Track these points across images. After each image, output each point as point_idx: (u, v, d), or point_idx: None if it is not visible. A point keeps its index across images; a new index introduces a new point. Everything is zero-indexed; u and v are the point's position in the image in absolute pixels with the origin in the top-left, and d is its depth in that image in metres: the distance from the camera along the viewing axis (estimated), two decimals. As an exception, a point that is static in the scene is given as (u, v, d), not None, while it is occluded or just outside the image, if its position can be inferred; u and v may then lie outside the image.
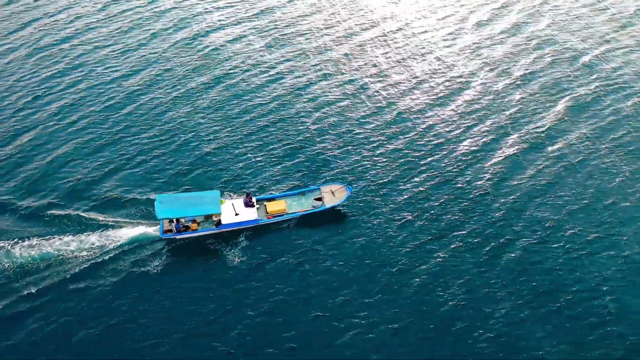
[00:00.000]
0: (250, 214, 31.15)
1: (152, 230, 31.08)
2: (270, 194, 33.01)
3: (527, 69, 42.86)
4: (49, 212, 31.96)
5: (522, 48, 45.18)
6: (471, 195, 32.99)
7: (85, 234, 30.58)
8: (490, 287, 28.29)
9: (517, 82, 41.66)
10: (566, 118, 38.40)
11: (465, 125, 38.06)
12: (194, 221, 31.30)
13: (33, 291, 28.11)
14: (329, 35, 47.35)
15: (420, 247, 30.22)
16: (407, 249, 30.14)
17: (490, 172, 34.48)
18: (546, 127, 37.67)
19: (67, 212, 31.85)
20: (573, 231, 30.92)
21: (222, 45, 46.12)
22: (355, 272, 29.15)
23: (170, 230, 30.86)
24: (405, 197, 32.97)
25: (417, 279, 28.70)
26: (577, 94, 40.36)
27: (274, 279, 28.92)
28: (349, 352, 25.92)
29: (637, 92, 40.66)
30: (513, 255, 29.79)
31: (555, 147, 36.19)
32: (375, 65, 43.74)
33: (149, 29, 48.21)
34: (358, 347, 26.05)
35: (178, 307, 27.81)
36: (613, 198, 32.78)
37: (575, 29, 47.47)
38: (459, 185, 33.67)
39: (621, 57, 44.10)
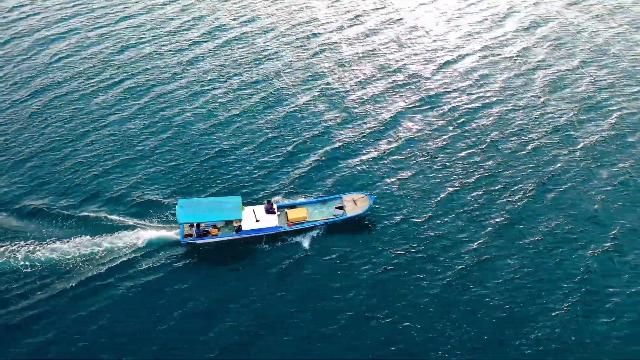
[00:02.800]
0: (270, 221, 30.92)
1: (172, 234, 31.07)
2: (292, 201, 32.76)
3: (541, 66, 42.10)
4: (70, 213, 32.17)
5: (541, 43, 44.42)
6: (503, 201, 32.35)
7: (106, 235, 30.73)
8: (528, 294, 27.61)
9: (537, 83, 40.89)
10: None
11: (495, 134, 37.42)
12: (214, 226, 31.22)
13: (51, 292, 28.29)
14: (349, 42, 47.14)
15: (442, 261, 29.62)
16: (431, 262, 29.54)
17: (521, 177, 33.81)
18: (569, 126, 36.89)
19: (89, 215, 32.05)
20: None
21: (246, 52, 46.20)
22: (375, 281, 28.68)
23: (191, 235, 30.79)
24: (430, 209, 32.40)
25: (440, 288, 28.14)
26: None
27: (293, 287, 28.61)
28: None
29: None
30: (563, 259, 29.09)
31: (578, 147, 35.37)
32: (398, 76, 43.34)
33: (170, 35, 48.57)
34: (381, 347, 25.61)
35: (192, 310, 27.67)
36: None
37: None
38: (489, 190, 33.03)
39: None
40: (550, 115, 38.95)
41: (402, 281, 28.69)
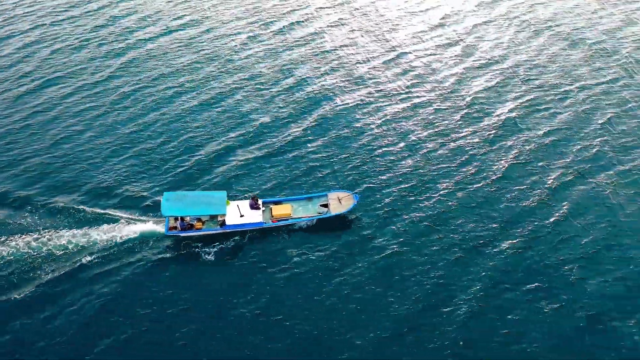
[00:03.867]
0: (255, 217, 31.16)
1: (158, 228, 31.36)
2: (278, 197, 32.98)
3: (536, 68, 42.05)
4: (55, 206, 32.48)
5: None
6: (486, 203, 32.40)
7: (90, 228, 30.99)
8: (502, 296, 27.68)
9: (535, 86, 40.87)
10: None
11: (480, 134, 37.45)
12: (199, 220, 31.49)
13: (32, 285, 28.41)
14: (340, 40, 47.28)
15: (425, 261, 29.72)
16: (411, 264, 29.65)
17: (498, 177, 33.80)
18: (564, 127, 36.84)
19: (74, 207, 32.34)
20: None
21: (237, 51, 46.58)
22: (353, 279, 28.85)
23: (175, 228, 31.08)
24: (414, 209, 32.50)
25: (419, 291, 28.26)
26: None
27: (272, 282, 28.81)
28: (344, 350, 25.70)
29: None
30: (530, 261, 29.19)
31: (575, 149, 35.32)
32: (387, 75, 43.44)
33: (164, 30, 48.93)
34: (355, 346, 25.80)
35: (174, 303, 27.88)
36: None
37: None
38: (469, 193, 33.07)
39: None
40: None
41: (380, 281, 28.79)
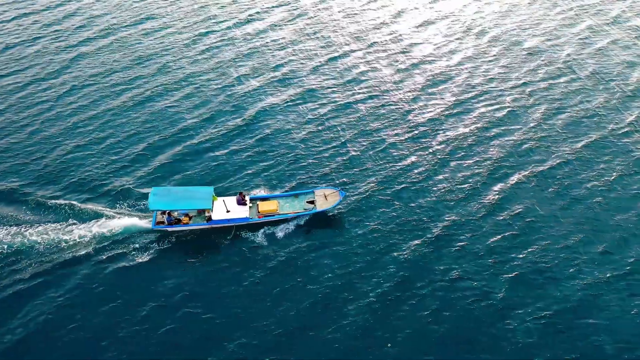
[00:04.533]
0: (241, 212, 31.38)
1: (145, 222, 31.62)
2: (265, 193, 33.22)
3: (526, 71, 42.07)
4: (43, 200, 32.72)
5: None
6: (469, 203, 32.45)
7: (76, 223, 31.24)
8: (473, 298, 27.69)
9: (523, 87, 40.92)
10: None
11: (465, 134, 37.54)
12: (186, 215, 31.75)
13: (15, 279, 28.58)
14: (333, 37, 47.51)
15: (403, 260, 29.80)
16: (391, 260, 29.72)
17: (481, 177, 33.86)
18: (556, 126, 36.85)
19: (62, 202, 32.57)
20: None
21: (226, 44, 47.11)
22: (338, 274, 29.00)
23: (162, 223, 31.35)
24: (399, 206, 32.60)
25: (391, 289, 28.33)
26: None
27: (255, 277, 28.99)
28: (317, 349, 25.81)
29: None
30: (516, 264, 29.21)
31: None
32: (381, 74, 43.62)
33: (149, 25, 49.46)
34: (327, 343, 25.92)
35: (158, 298, 28.11)
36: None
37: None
38: (454, 194, 33.15)
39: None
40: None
41: (363, 276, 28.90)
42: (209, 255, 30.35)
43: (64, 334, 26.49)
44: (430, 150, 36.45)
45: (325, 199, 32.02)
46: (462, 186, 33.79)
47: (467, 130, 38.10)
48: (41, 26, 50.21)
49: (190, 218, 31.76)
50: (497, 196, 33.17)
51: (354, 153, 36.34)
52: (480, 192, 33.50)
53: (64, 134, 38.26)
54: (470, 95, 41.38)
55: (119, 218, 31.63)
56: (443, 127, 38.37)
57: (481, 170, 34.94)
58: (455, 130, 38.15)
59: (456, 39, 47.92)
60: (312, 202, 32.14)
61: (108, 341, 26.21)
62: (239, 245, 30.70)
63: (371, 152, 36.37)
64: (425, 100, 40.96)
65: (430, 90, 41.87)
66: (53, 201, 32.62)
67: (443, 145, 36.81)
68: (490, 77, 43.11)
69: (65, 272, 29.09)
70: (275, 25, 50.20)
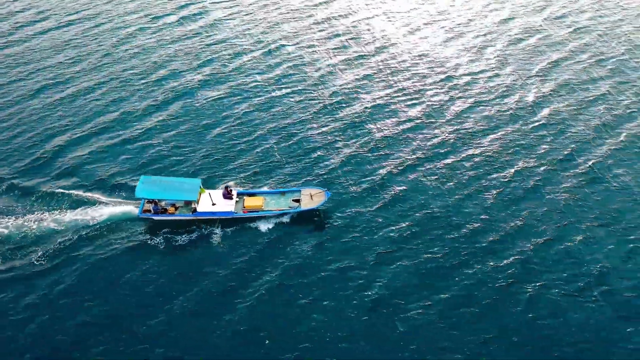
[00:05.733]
0: (227, 206, 31.74)
1: (133, 210, 32.21)
2: (253, 189, 33.54)
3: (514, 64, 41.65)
4: (28, 188, 33.56)
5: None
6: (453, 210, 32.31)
7: (63, 210, 32.01)
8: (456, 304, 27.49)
9: (507, 85, 40.62)
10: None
11: (452, 133, 37.52)
12: (173, 205, 32.24)
13: (5, 266, 29.28)
14: (325, 39, 47.75)
15: (386, 260, 29.74)
16: (372, 263, 29.71)
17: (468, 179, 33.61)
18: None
19: (53, 190, 33.39)
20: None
21: (226, 41, 47.62)
22: (312, 272, 29.08)
23: (149, 211, 31.89)
24: (383, 207, 32.53)
25: (374, 291, 28.28)
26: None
27: (237, 270, 29.28)
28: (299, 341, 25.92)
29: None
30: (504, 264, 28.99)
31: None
32: (374, 74, 43.69)
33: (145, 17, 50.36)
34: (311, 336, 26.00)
35: (139, 287, 28.57)
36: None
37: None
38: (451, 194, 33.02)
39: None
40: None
41: (341, 278, 28.92)
42: (190, 248, 30.62)
43: (44, 318, 27.07)
44: (419, 154, 36.39)
45: (311, 198, 32.19)
46: (453, 187, 33.68)
47: (453, 130, 38.10)
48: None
49: (176, 208, 32.24)
50: (482, 193, 33.05)
51: (343, 154, 36.44)
52: (464, 188, 33.51)
53: (52, 123, 39.22)
54: (458, 94, 41.51)
55: (106, 205, 32.29)
56: (426, 132, 38.35)
57: (464, 169, 34.76)
58: (440, 130, 38.19)
59: (445, 36, 47.86)
60: (297, 201, 32.34)
61: (87, 327, 26.77)
62: (222, 238, 30.96)
63: (363, 154, 36.43)
64: (416, 101, 41.04)
65: (419, 90, 41.87)
66: (39, 188, 33.47)
67: (427, 150, 36.73)
68: (477, 75, 42.93)
69: (51, 259, 29.70)
70: (277, 24, 50.78)
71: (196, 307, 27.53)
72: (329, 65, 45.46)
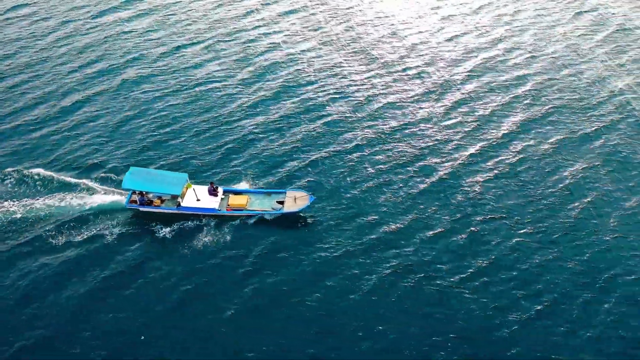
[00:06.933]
0: (211, 202, 31.98)
1: (121, 200, 32.81)
2: (240, 188, 33.62)
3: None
4: (23, 172, 34.28)
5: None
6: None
7: (49, 196, 32.74)
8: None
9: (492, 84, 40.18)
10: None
11: (440, 137, 37.13)
12: (159, 198, 32.67)
13: None
14: (318, 38, 47.15)
15: (367, 267, 29.44)
16: (353, 267, 29.44)
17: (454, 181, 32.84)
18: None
19: (45, 175, 34.12)
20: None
21: (219, 41, 47.78)
22: (286, 275, 29.10)
23: (135, 202, 32.41)
24: (364, 214, 32.23)
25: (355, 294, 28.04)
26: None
27: (217, 265, 29.65)
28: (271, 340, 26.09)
29: None
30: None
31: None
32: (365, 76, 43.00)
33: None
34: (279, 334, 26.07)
35: (111, 275, 29.20)
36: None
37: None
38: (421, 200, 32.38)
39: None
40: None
41: (316, 285, 28.84)
42: (171, 242, 30.90)
43: (27, 308, 27.64)
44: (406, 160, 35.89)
45: (295, 201, 32.07)
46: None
47: (440, 133, 37.96)
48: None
49: (162, 201, 32.67)
50: (468, 196, 32.89)
51: (329, 159, 36.15)
52: (451, 193, 33.40)
53: (47, 111, 40.00)
54: (449, 97, 41.13)
55: (97, 193, 32.99)
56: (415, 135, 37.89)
57: (451, 171, 34.31)
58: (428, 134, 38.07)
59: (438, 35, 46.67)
60: (281, 203, 32.28)
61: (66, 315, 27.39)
62: (202, 234, 31.19)
63: (354, 159, 36.08)
64: (402, 103, 40.84)
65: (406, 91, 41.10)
66: (28, 172, 34.26)
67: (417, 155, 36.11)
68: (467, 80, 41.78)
69: (35, 246, 30.41)
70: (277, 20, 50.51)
71: (165, 304, 27.91)
72: (324, 64, 45.02)
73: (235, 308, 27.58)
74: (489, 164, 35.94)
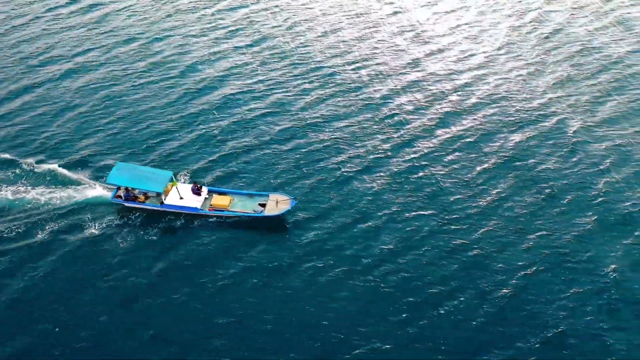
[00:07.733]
0: (194, 201, 32.31)
1: (107, 194, 33.32)
2: (224, 188, 33.91)
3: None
4: (14, 162, 35.02)
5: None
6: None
7: (35, 187, 33.32)
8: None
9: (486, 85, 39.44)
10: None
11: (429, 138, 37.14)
12: (144, 194, 33.09)
13: None
14: (311, 37, 47.06)
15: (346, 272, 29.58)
16: (330, 274, 29.60)
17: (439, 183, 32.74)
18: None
19: (31, 166, 34.79)
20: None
21: (210, 40, 47.99)
22: (263, 273, 29.34)
23: (120, 197, 32.87)
24: (344, 218, 32.31)
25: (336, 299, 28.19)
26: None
27: (193, 263, 30.01)
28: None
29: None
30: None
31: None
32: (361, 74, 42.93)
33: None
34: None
35: (91, 268, 29.71)
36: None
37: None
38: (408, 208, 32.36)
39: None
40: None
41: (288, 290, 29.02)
42: (152, 238, 31.27)
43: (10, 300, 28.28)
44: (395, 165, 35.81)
45: (277, 205, 32.27)
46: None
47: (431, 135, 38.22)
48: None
49: (147, 198, 33.07)
50: (453, 197, 32.98)
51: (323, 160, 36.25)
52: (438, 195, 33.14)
53: (38, 100, 40.79)
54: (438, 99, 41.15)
55: (83, 186, 33.49)
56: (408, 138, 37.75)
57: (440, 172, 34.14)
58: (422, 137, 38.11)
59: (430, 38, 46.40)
60: (263, 205, 32.49)
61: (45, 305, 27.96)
62: (183, 232, 31.58)
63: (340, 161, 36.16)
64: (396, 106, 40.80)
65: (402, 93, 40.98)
66: (17, 162, 34.92)
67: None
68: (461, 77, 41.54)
69: (19, 234, 31.03)
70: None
71: (138, 300, 28.32)
72: (317, 62, 45.13)
73: (205, 306, 27.93)
74: (470, 162, 36.04)
